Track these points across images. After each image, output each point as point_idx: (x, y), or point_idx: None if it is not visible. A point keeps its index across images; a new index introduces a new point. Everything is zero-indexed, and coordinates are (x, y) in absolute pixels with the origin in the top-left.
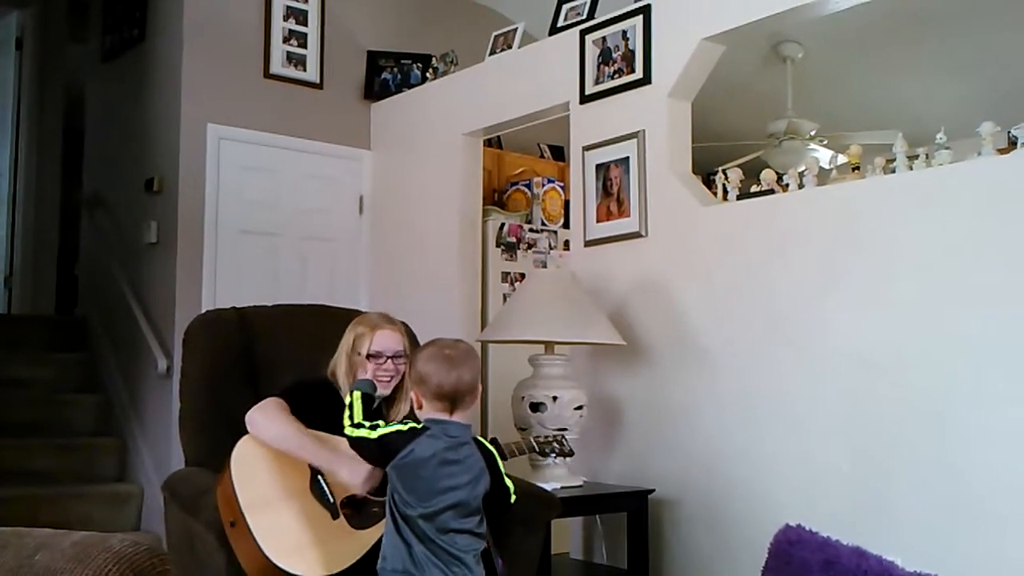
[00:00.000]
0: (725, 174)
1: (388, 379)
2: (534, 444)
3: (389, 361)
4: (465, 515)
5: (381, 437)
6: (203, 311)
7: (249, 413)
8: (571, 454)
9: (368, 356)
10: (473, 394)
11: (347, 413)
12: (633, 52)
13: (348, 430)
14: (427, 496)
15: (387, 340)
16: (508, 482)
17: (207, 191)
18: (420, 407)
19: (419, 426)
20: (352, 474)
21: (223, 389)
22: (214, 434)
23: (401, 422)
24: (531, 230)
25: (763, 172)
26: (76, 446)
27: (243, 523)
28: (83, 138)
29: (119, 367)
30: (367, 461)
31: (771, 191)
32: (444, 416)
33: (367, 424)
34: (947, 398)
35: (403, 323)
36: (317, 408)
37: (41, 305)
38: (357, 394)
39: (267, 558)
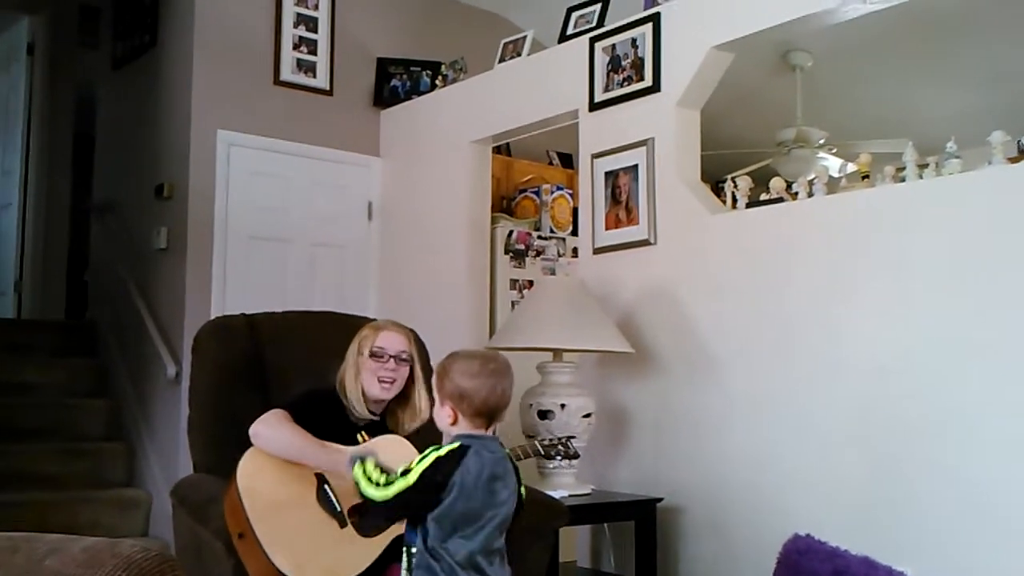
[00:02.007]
0: (734, 182)
1: (390, 381)
2: (539, 447)
3: (392, 360)
4: (503, 532)
5: (422, 474)
6: (212, 317)
7: (252, 426)
8: (576, 456)
9: (371, 355)
10: (508, 408)
11: (361, 481)
12: (642, 60)
13: (372, 492)
14: (479, 516)
15: (391, 339)
16: (523, 490)
17: (217, 197)
18: (454, 423)
19: (455, 446)
20: None
21: (232, 396)
22: (223, 441)
23: (435, 447)
24: (540, 237)
25: (772, 180)
26: (85, 451)
27: (251, 535)
28: (93, 144)
29: (128, 372)
30: (406, 518)
31: (780, 199)
32: (481, 432)
33: (396, 473)
34: (960, 406)
35: (412, 330)
36: (322, 419)
37: (51, 310)
38: (363, 466)
39: (277, 569)
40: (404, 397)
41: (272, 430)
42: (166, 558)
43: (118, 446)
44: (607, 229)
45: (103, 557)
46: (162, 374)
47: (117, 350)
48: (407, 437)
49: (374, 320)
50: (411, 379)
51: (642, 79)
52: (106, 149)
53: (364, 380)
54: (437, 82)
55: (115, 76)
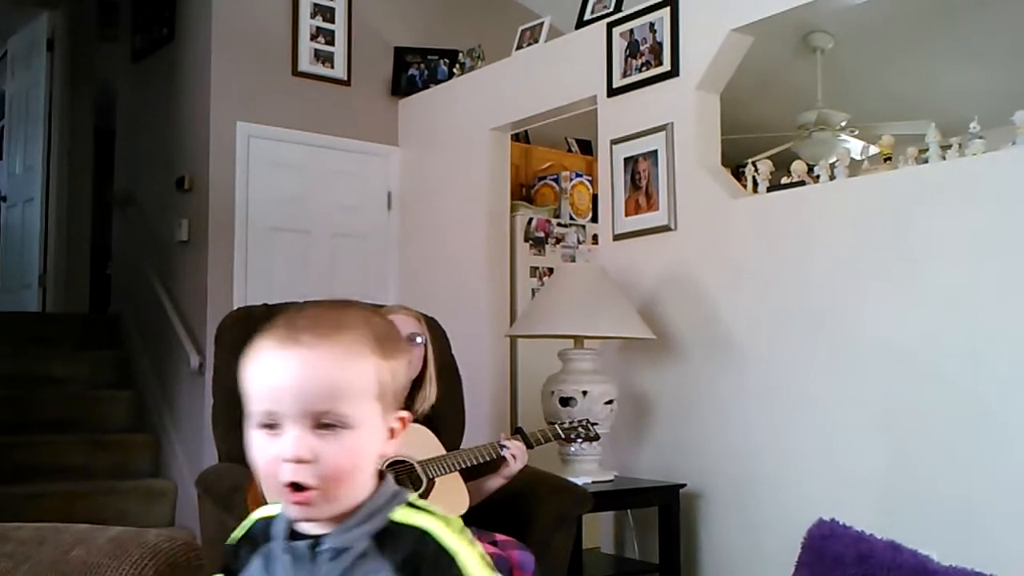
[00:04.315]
0: (755, 166)
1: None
2: (559, 431)
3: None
4: None
5: None
6: (234, 308)
7: None
8: (597, 438)
9: None
10: None
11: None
12: (661, 44)
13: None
14: None
15: (400, 322)
16: None
17: (237, 189)
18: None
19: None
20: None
21: None
22: (246, 430)
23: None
24: (559, 224)
25: (793, 164)
26: (110, 442)
27: None
28: (114, 137)
29: (152, 364)
30: None
31: (802, 183)
32: None
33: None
34: (983, 391)
35: (424, 314)
36: None
37: (75, 303)
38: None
39: None
40: (419, 379)
41: None
42: (192, 547)
43: (143, 437)
44: (627, 215)
45: (129, 547)
46: (185, 365)
47: (140, 342)
48: (418, 422)
49: (384, 307)
50: (425, 362)
51: (660, 64)
52: (126, 143)
53: None
54: (455, 70)
55: (134, 70)
